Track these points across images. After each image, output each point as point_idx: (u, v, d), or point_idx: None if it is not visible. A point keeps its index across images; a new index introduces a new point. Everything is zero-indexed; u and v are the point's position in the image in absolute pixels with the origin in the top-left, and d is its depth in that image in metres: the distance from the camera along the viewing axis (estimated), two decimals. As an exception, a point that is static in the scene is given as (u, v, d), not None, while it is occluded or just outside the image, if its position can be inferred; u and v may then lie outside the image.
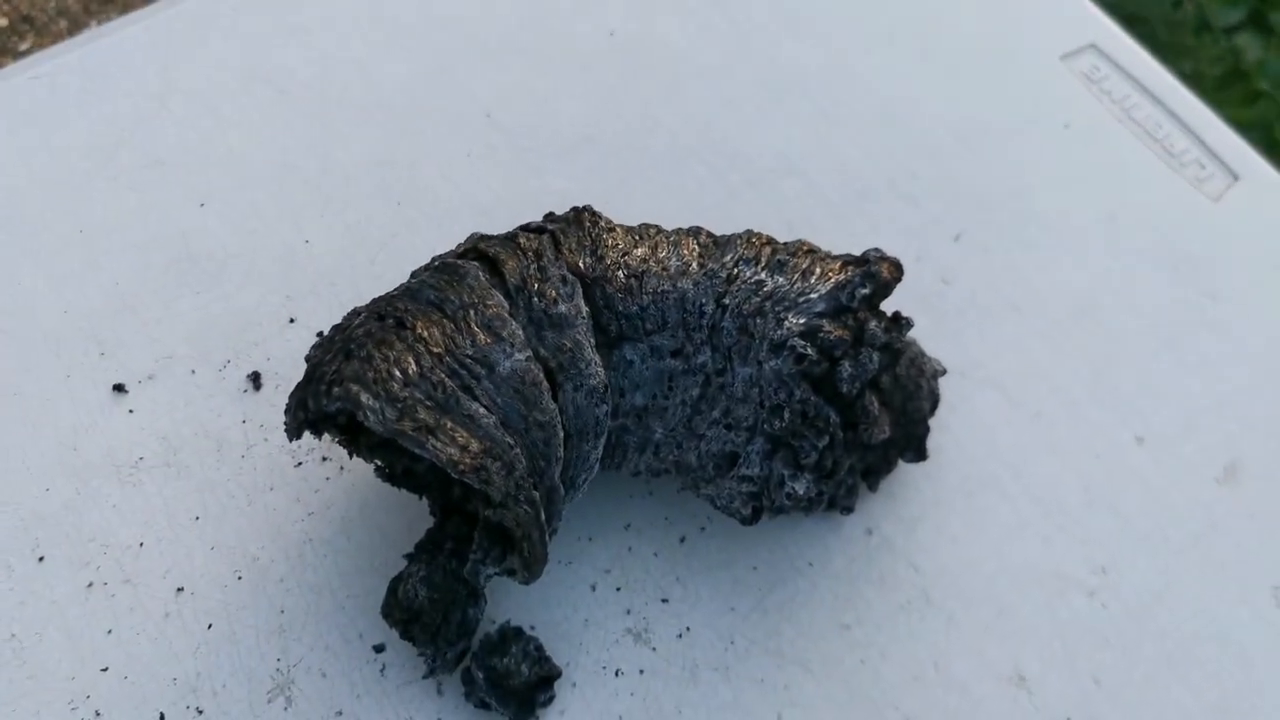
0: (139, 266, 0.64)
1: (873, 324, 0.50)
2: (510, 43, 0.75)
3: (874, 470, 0.56)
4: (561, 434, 0.47)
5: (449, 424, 0.45)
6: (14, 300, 0.62)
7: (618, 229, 0.54)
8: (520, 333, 0.47)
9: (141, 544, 0.55)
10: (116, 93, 0.71)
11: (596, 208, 0.55)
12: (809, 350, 0.48)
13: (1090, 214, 0.69)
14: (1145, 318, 0.65)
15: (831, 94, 0.73)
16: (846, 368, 0.49)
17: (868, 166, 0.70)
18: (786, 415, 0.48)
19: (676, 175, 0.69)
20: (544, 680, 0.51)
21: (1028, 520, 0.58)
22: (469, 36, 0.75)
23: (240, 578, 0.55)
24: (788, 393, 0.48)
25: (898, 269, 0.52)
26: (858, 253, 0.54)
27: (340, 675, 0.52)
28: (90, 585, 0.54)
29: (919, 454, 0.57)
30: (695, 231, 0.54)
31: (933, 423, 0.60)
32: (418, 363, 0.45)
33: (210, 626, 0.53)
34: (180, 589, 0.54)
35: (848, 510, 0.56)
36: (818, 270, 0.51)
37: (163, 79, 0.71)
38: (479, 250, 0.51)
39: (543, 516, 0.46)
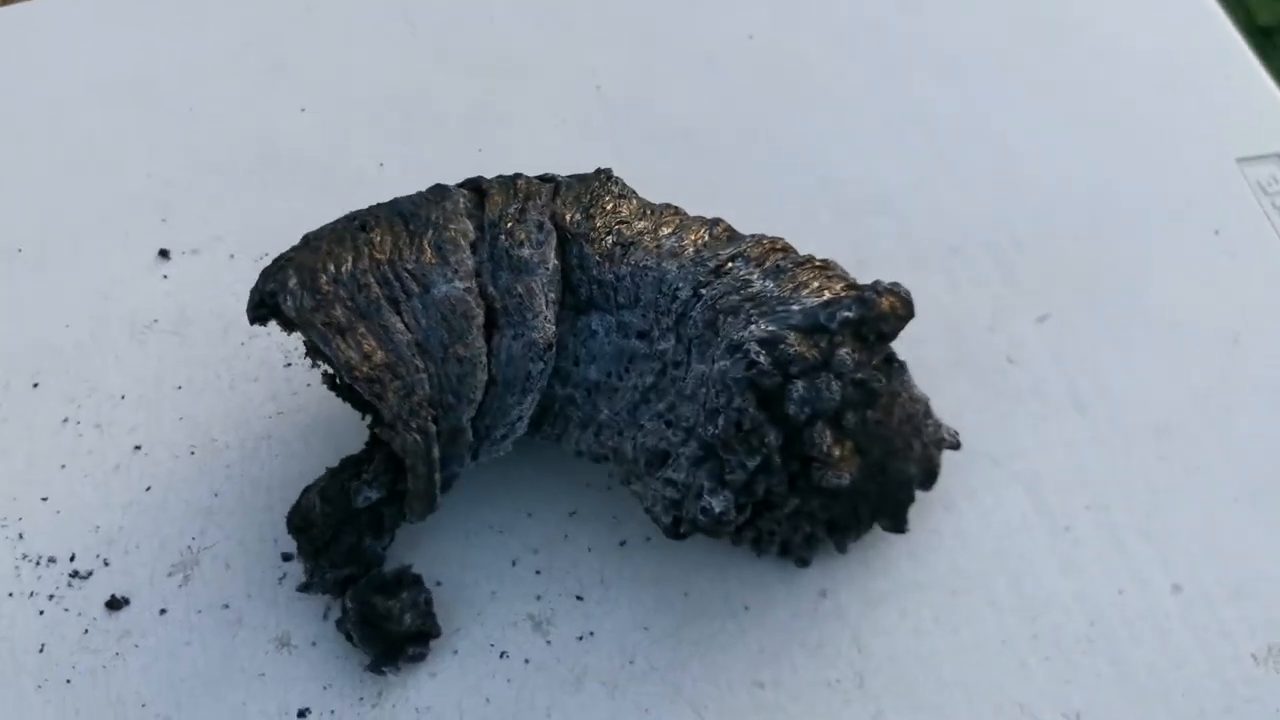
0: (226, 153, 0.67)
1: (843, 351, 0.45)
2: (643, 24, 0.74)
3: (840, 526, 0.50)
4: (483, 377, 0.45)
5: (361, 329, 0.43)
6: (111, 156, 0.67)
7: (633, 199, 0.51)
8: (470, 263, 0.46)
9: (124, 397, 0.57)
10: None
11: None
12: (762, 358, 0.44)
13: (1210, 330, 0.60)
14: (1232, 459, 0.55)
15: (954, 136, 0.67)
16: (798, 388, 0.44)
17: (969, 221, 0.64)
18: (721, 422, 0.44)
19: (761, 186, 0.65)
20: (420, 635, 0.49)
21: (1011, 639, 0.50)
22: (600, 8, 0.74)
23: (193, 453, 0.55)
24: (728, 398, 0.44)
25: (905, 306, 0.47)
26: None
27: (241, 571, 0.52)
28: (65, 421, 0.57)
29: (896, 523, 0.51)
30: (714, 223, 0.51)
31: (940, 502, 0.53)
32: (354, 263, 0.45)
33: (149, 490, 0.54)
34: (138, 447, 0.56)
35: (803, 563, 0.51)
36: (814, 284, 0.47)
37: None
38: (476, 181, 0.50)
39: (435, 452, 0.44)
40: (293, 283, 0.44)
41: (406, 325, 0.44)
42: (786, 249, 0.50)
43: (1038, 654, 0.50)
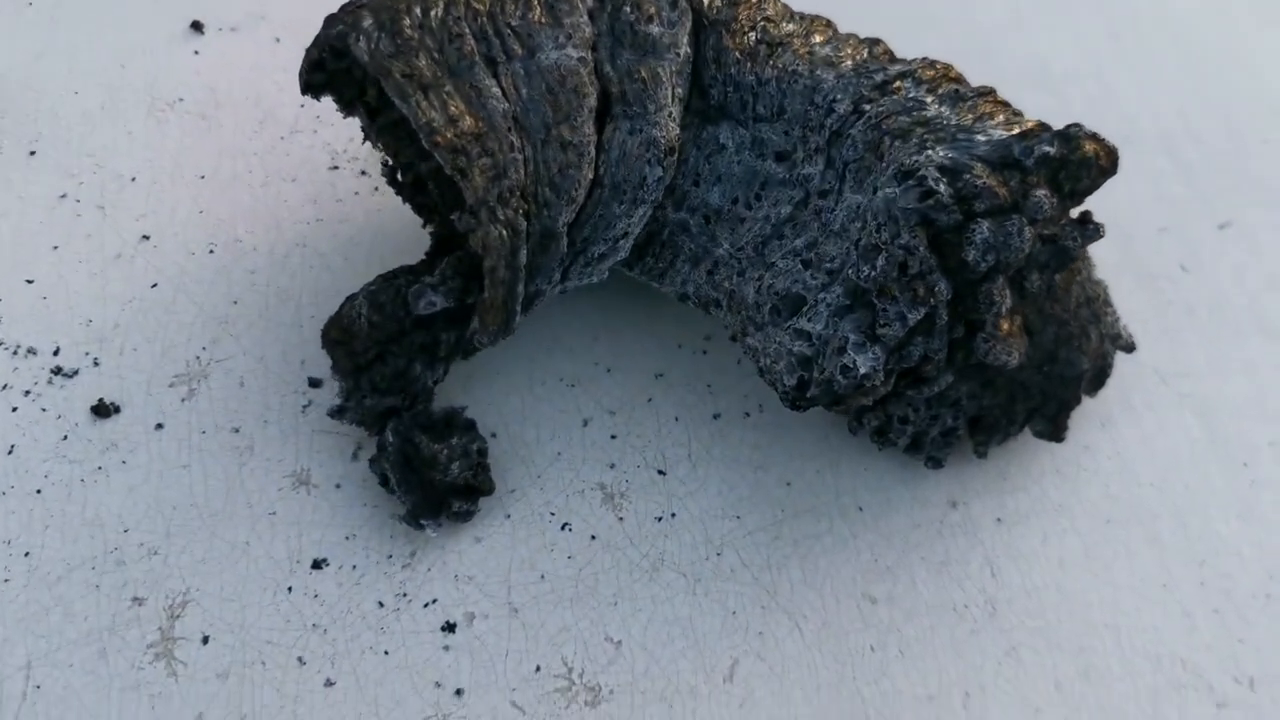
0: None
1: (1040, 193, 0.35)
2: None
3: (987, 424, 0.41)
4: (588, 173, 0.36)
5: (449, 87, 0.34)
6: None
7: (780, 1, 0.41)
8: (586, 30, 0.36)
9: (134, 179, 0.48)
10: None
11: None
12: (941, 187, 0.34)
13: None
14: None
15: (1130, 14, 0.57)
16: (984, 229, 0.35)
17: (1142, 109, 0.54)
18: (881, 262, 0.35)
19: (906, 43, 0.55)
20: (470, 490, 0.40)
21: (1174, 584, 0.42)
22: None
23: (212, 251, 0.46)
24: (893, 232, 0.35)
25: (1109, 156, 0.38)
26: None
27: (258, 392, 0.43)
28: (63, 197, 0.47)
29: (1055, 429, 0.42)
30: (873, 41, 0.42)
31: (1096, 414, 0.45)
32: (446, 9, 0.35)
33: (154, 286, 0.45)
34: (146, 237, 0.46)
35: (935, 463, 0.42)
36: (1000, 117, 0.38)
37: None
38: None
39: (522, 255, 0.35)
40: (368, 22, 0.34)
41: (504, 91, 0.35)
42: (961, 79, 0.41)
43: (1205, 605, 0.41)
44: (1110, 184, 0.52)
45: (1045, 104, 0.54)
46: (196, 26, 0.52)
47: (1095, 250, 0.49)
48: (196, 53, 0.52)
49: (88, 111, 0.50)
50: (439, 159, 0.34)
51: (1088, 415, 0.45)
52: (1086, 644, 0.40)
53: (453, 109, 0.34)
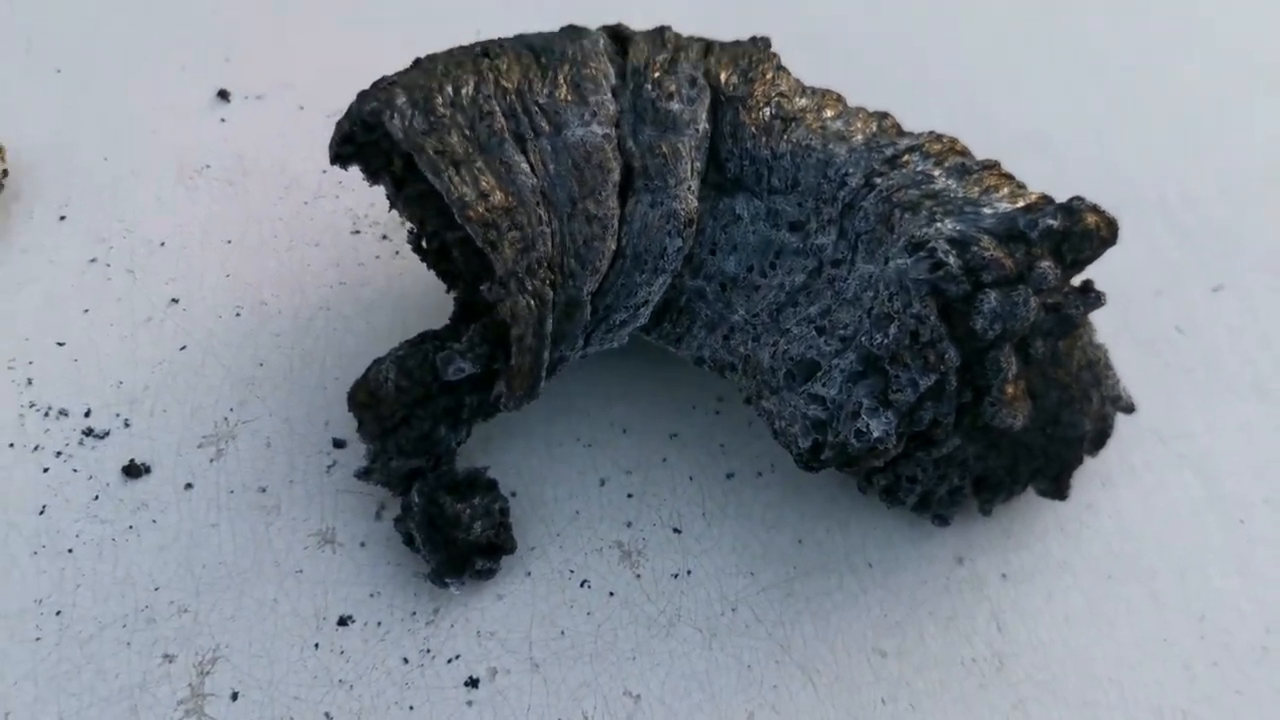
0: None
1: (1045, 264, 0.37)
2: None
3: (992, 483, 0.43)
4: (612, 244, 0.37)
5: (480, 163, 0.36)
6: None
7: (790, 76, 0.43)
8: (611, 107, 0.38)
9: (163, 243, 0.49)
10: None
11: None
12: (951, 259, 0.36)
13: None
14: None
15: (1127, 82, 0.59)
16: (991, 299, 0.36)
17: (1138, 174, 0.56)
18: (893, 331, 0.36)
19: (907, 109, 0.57)
20: (492, 548, 0.41)
21: (1174, 638, 0.43)
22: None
23: (239, 315, 0.48)
24: (905, 301, 0.36)
25: (1109, 227, 0.39)
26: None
27: (284, 452, 0.44)
28: (94, 261, 0.49)
29: (1057, 488, 0.43)
30: (882, 115, 0.43)
31: (1097, 473, 0.46)
32: (477, 89, 0.37)
33: (183, 349, 0.46)
34: (175, 300, 0.48)
35: (942, 521, 0.43)
36: (1004, 190, 0.39)
37: None
38: (615, 27, 0.42)
39: (548, 324, 0.36)
40: (402, 100, 0.36)
41: (532, 167, 0.37)
42: (967, 151, 0.43)
43: (1205, 658, 0.43)
44: (1119, 257, 0.54)
45: (1045, 171, 0.56)
46: (223, 95, 0.54)
47: (1095, 314, 0.51)
48: (223, 120, 0.54)
49: (118, 177, 0.51)
50: (470, 232, 0.35)
51: (1089, 475, 0.46)
52: (1091, 697, 0.41)
53: (484, 184, 0.35)
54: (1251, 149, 0.58)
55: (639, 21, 0.47)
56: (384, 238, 0.50)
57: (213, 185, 0.51)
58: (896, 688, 0.41)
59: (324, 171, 0.52)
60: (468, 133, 0.36)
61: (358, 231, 0.50)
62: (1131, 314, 0.52)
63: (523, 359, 0.36)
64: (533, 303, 0.36)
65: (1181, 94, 0.60)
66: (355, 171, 0.51)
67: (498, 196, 0.35)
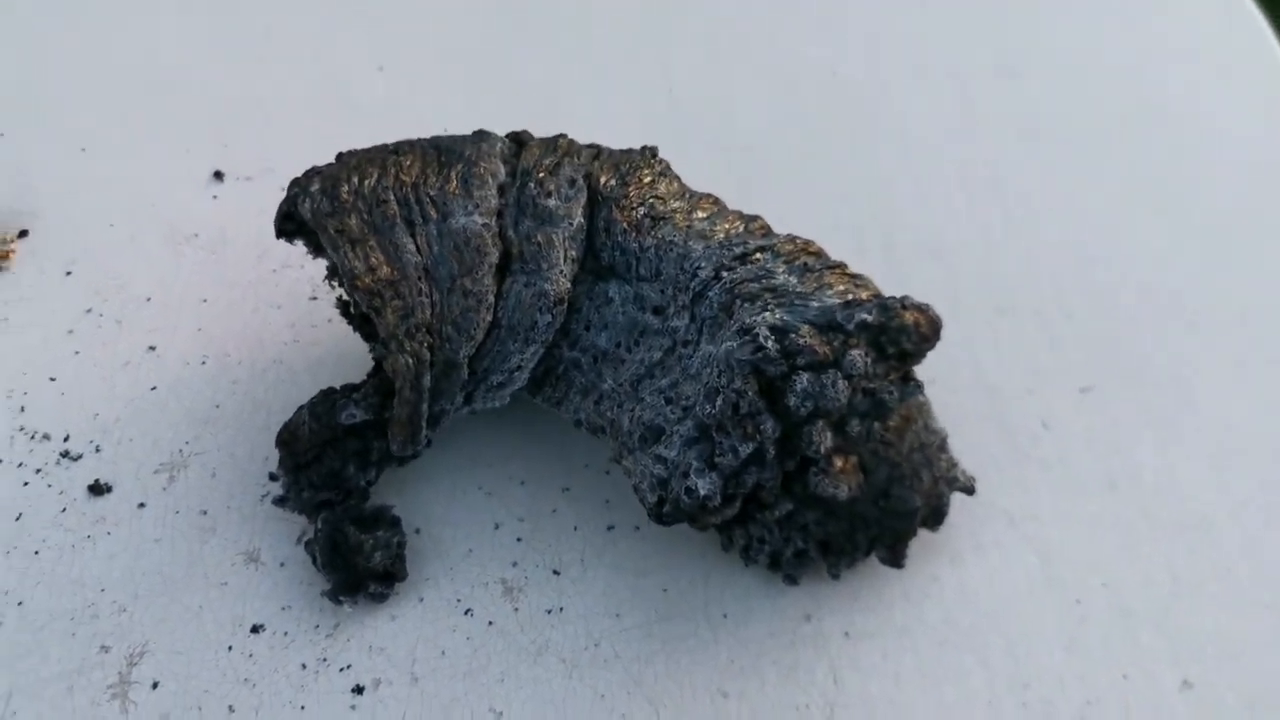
0: (299, 89, 0.68)
1: (855, 353, 0.43)
2: (729, 39, 0.74)
3: (835, 548, 0.48)
4: (487, 316, 0.44)
5: (372, 242, 0.43)
6: (186, 74, 0.68)
7: (674, 181, 0.50)
8: (493, 202, 0.45)
9: (149, 299, 0.57)
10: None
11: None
12: (769, 343, 0.42)
13: (1257, 439, 0.56)
14: (1265, 570, 0.52)
15: (1024, 201, 0.65)
16: (802, 380, 0.42)
17: (1022, 284, 0.62)
18: (719, 403, 0.43)
19: (818, 213, 0.64)
20: (387, 575, 0.47)
21: (997, 703, 0.47)
22: (684, 16, 0.75)
23: (204, 363, 0.55)
24: (729, 378, 0.42)
25: (930, 325, 0.45)
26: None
27: (225, 482, 0.51)
28: (89, 311, 0.57)
29: (894, 556, 0.48)
30: (751, 218, 0.50)
31: (947, 550, 0.51)
32: (378, 180, 0.44)
33: (153, 389, 0.54)
34: (152, 348, 0.56)
35: (791, 580, 0.49)
36: (839, 287, 0.46)
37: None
38: (520, 133, 0.50)
39: (426, 380, 0.43)
40: (315, 188, 0.44)
41: (418, 248, 0.44)
42: (820, 253, 0.49)
43: (1022, 723, 0.47)
44: (985, 348, 0.60)
45: (935, 273, 0.62)
46: (218, 175, 0.63)
47: (966, 404, 0.56)
48: (215, 197, 0.62)
49: (119, 241, 0.60)
50: (358, 299, 0.42)
51: (939, 549, 0.51)
52: (908, 749, 0.46)
53: (373, 260, 0.43)
54: (1129, 265, 0.63)
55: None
56: (331, 289, 0.58)
57: (198, 252, 0.59)
58: (732, 724, 0.46)
59: (293, 243, 0.60)
60: (365, 216, 0.43)
61: (315, 298, 0.58)
62: (1001, 407, 0.57)
63: (402, 409, 0.43)
64: (410, 361, 0.43)
65: (1072, 218, 0.66)
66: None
67: (384, 270, 0.43)
